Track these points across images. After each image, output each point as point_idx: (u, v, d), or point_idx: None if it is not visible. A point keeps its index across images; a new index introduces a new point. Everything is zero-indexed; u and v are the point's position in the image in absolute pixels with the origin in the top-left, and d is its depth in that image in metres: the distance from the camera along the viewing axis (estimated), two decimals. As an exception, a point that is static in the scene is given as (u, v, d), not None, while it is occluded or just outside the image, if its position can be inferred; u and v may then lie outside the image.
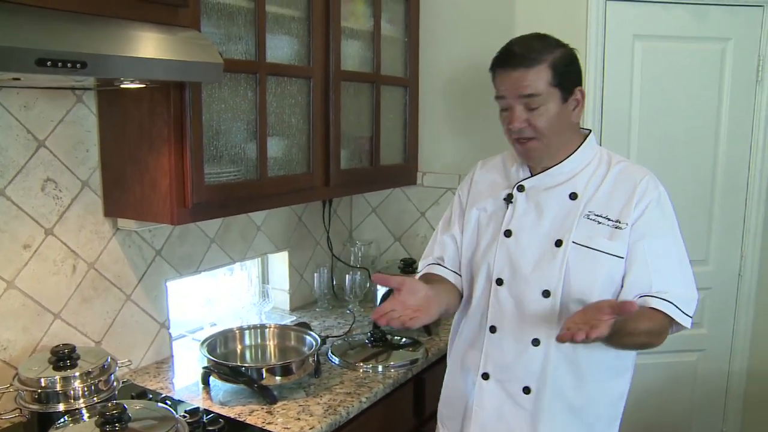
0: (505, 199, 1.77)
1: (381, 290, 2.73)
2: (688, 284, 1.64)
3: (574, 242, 1.64)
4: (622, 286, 1.63)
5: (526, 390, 1.70)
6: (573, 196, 1.68)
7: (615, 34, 2.66)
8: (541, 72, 1.60)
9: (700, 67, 2.73)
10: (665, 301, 1.58)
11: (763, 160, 2.78)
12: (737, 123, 2.77)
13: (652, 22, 2.67)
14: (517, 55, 1.61)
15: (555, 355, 1.66)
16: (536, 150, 1.67)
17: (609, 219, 1.63)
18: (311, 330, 2.31)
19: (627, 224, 1.62)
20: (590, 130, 1.76)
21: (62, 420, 1.61)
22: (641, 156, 2.71)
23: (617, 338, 1.48)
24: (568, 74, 1.63)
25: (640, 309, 1.56)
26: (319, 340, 2.19)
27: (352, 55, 2.49)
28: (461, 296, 1.89)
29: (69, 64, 1.28)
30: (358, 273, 2.91)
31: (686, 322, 1.59)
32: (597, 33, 2.64)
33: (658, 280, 1.60)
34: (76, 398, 1.73)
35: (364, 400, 2.05)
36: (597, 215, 1.64)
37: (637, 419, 2.68)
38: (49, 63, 1.25)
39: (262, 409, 1.95)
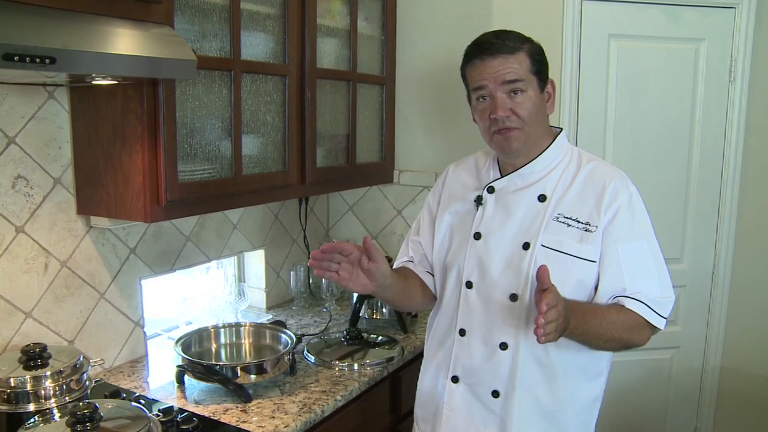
0: (475, 200, 1.76)
1: (357, 289, 2.72)
2: (664, 285, 1.63)
3: (543, 245, 1.62)
4: (595, 292, 1.63)
5: (495, 394, 1.70)
6: (542, 198, 1.67)
7: (591, 34, 2.68)
8: (522, 59, 1.62)
9: (675, 67, 2.75)
10: (638, 302, 1.58)
11: (736, 159, 2.82)
12: (711, 122, 2.80)
13: (628, 22, 2.70)
14: (496, 43, 1.63)
15: (525, 359, 1.65)
16: (517, 139, 1.65)
17: (579, 221, 1.62)
18: (286, 328, 2.31)
19: (597, 227, 1.61)
20: (561, 129, 1.76)
21: (32, 420, 1.59)
22: (617, 154, 2.73)
23: (583, 329, 1.51)
24: (542, 64, 1.67)
25: (610, 305, 1.59)
26: (294, 338, 2.19)
27: (328, 52, 2.49)
28: (430, 296, 1.90)
29: (37, 59, 1.27)
30: (335, 271, 2.90)
31: (660, 323, 1.60)
32: (573, 32, 2.65)
33: (633, 284, 1.60)
34: (47, 398, 1.71)
35: (339, 398, 2.05)
36: (567, 217, 1.64)
37: (613, 417, 2.70)
38: (16, 58, 1.23)
39: (237, 407, 1.94)
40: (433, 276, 1.90)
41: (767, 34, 2.74)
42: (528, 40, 1.66)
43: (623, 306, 1.59)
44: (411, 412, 2.42)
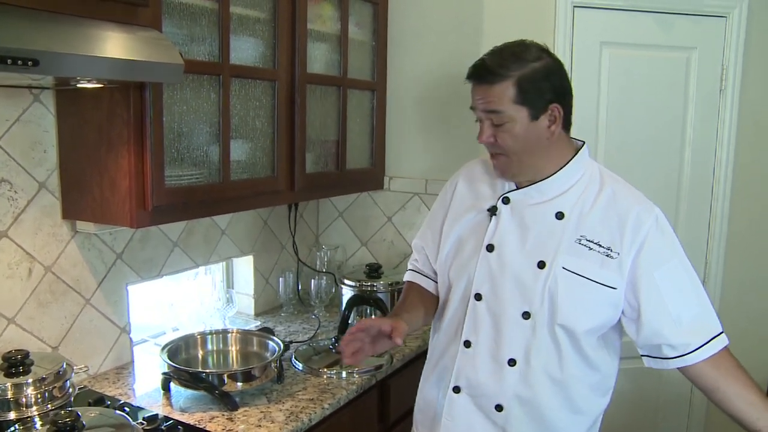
0: (489, 210, 1.70)
1: (346, 295, 2.71)
2: (702, 301, 1.60)
3: (564, 268, 1.58)
4: (638, 325, 1.59)
5: (498, 408, 1.67)
6: (559, 216, 1.62)
7: (583, 41, 2.67)
8: (506, 89, 1.53)
9: (666, 75, 2.75)
10: (710, 344, 1.56)
11: (727, 166, 2.82)
12: (702, 130, 2.80)
13: (620, 30, 2.69)
14: (483, 68, 1.56)
15: (536, 376, 1.62)
16: (506, 166, 1.62)
17: (601, 246, 1.57)
18: (274, 335, 2.28)
19: (618, 254, 1.56)
20: (584, 142, 1.69)
21: (13, 429, 1.56)
22: (608, 162, 2.71)
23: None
24: (537, 91, 1.54)
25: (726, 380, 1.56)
26: (281, 345, 2.16)
27: (318, 58, 2.47)
28: (435, 300, 1.89)
29: (20, 62, 1.25)
30: (324, 278, 2.89)
31: (724, 339, 1.58)
32: (565, 39, 2.65)
33: (675, 308, 1.56)
34: (28, 406, 1.69)
35: (327, 406, 2.02)
36: (589, 240, 1.58)
37: (603, 424, 2.68)
38: (-3, 60, 1.21)
39: (223, 415, 1.91)
40: (433, 281, 1.89)
41: (758, 43, 2.75)
42: (526, 66, 1.54)
43: (727, 368, 1.56)
44: (400, 420, 2.42)
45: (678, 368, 1.60)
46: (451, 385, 1.72)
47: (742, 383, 1.55)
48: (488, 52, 1.60)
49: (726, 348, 1.58)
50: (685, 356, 1.56)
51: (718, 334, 1.58)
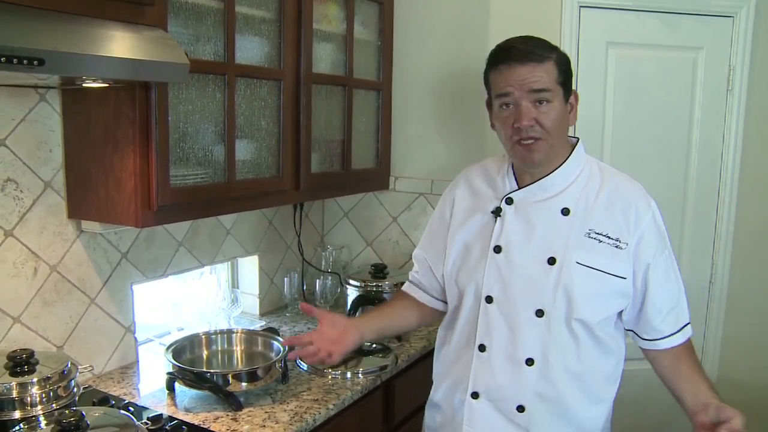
0: (493, 212, 1.71)
1: (351, 295, 2.70)
2: (680, 292, 1.70)
3: (579, 263, 1.60)
4: (626, 309, 1.67)
5: (520, 408, 1.66)
6: (565, 212, 1.63)
7: (589, 41, 2.66)
8: (550, 68, 1.57)
9: (673, 76, 2.74)
10: (678, 334, 1.67)
11: (734, 167, 2.80)
12: (709, 131, 2.79)
13: (626, 30, 2.68)
14: (524, 50, 1.57)
15: (556, 372, 1.63)
16: (541, 151, 1.60)
17: (610, 237, 1.60)
18: (279, 335, 2.28)
19: (627, 245, 1.60)
20: (578, 139, 1.72)
21: (17, 428, 1.56)
22: (614, 162, 2.68)
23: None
24: (568, 74, 1.62)
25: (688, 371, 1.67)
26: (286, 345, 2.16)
27: (324, 57, 2.47)
28: (429, 312, 1.94)
29: (25, 61, 1.25)
30: (329, 278, 2.88)
31: (689, 329, 1.71)
32: (571, 39, 2.64)
33: (660, 299, 1.64)
34: (33, 405, 1.69)
35: (331, 407, 2.02)
36: (598, 233, 1.61)
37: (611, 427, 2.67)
38: (3, 59, 1.21)
39: (227, 415, 1.91)
40: (430, 295, 1.91)
41: (765, 43, 2.73)
42: (556, 49, 1.61)
43: (681, 355, 1.68)
44: (404, 421, 2.41)
45: (643, 349, 1.71)
46: (469, 392, 1.72)
47: (685, 362, 1.67)
48: (509, 40, 1.63)
49: (688, 338, 1.69)
50: (657, 341, 1.68)
51: (686, 324, 1.69)
